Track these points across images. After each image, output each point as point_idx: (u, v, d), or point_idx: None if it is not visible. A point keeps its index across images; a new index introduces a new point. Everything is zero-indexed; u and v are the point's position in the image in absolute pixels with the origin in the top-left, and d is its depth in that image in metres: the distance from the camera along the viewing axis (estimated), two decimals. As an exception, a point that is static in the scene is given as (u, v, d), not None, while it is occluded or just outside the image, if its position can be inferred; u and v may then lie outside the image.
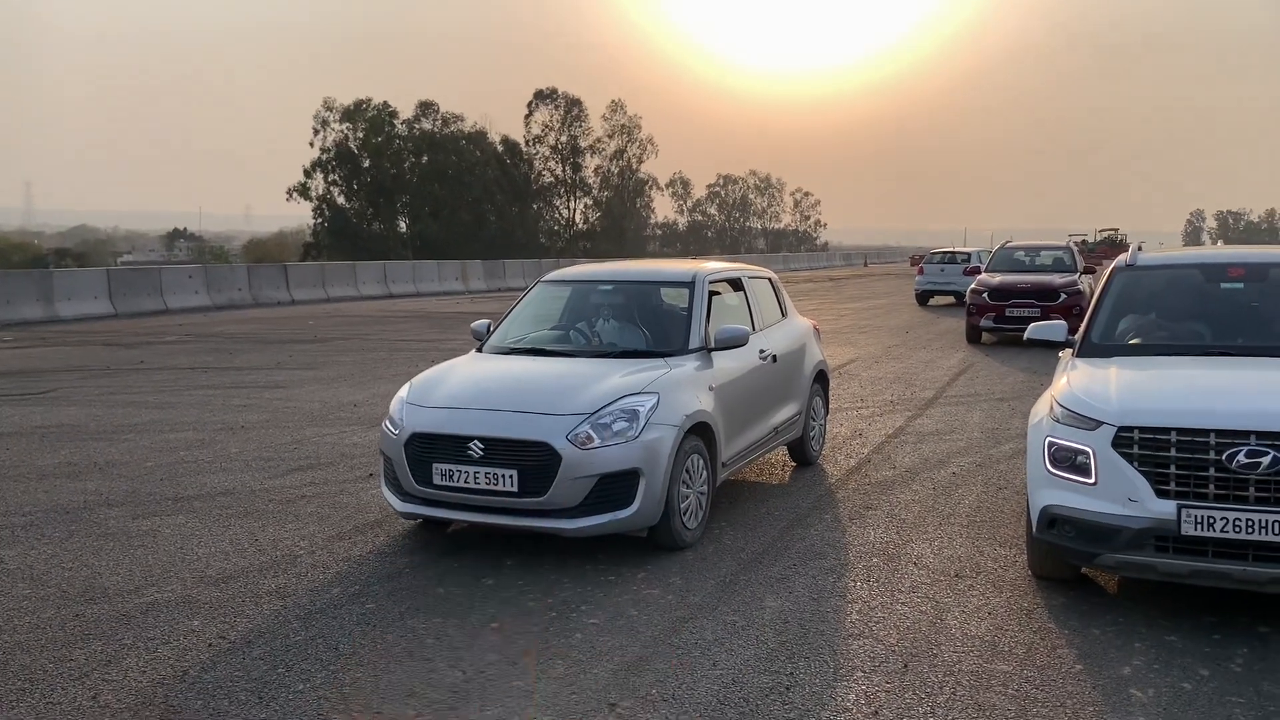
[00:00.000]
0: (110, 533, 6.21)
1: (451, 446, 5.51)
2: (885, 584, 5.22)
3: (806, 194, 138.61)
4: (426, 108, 77.83)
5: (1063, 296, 16.78)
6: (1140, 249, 6.39)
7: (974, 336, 17.45)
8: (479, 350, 6.79)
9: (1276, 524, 4.21)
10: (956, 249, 30.05)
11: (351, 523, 6.40)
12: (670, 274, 7.06)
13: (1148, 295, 6.00)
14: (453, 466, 5.48)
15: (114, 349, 17.01)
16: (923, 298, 28.45)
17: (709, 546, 5.85)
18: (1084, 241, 52.11)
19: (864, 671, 4.15)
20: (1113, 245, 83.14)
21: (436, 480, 5.53)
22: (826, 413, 8.42)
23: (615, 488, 5.39)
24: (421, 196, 76.43)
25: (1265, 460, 4.23)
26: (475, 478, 5.42)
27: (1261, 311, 5.64)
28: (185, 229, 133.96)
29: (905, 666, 4.19)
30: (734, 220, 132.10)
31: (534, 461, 5.34)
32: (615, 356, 6.26)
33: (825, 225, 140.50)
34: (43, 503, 6.92)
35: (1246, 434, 4.30)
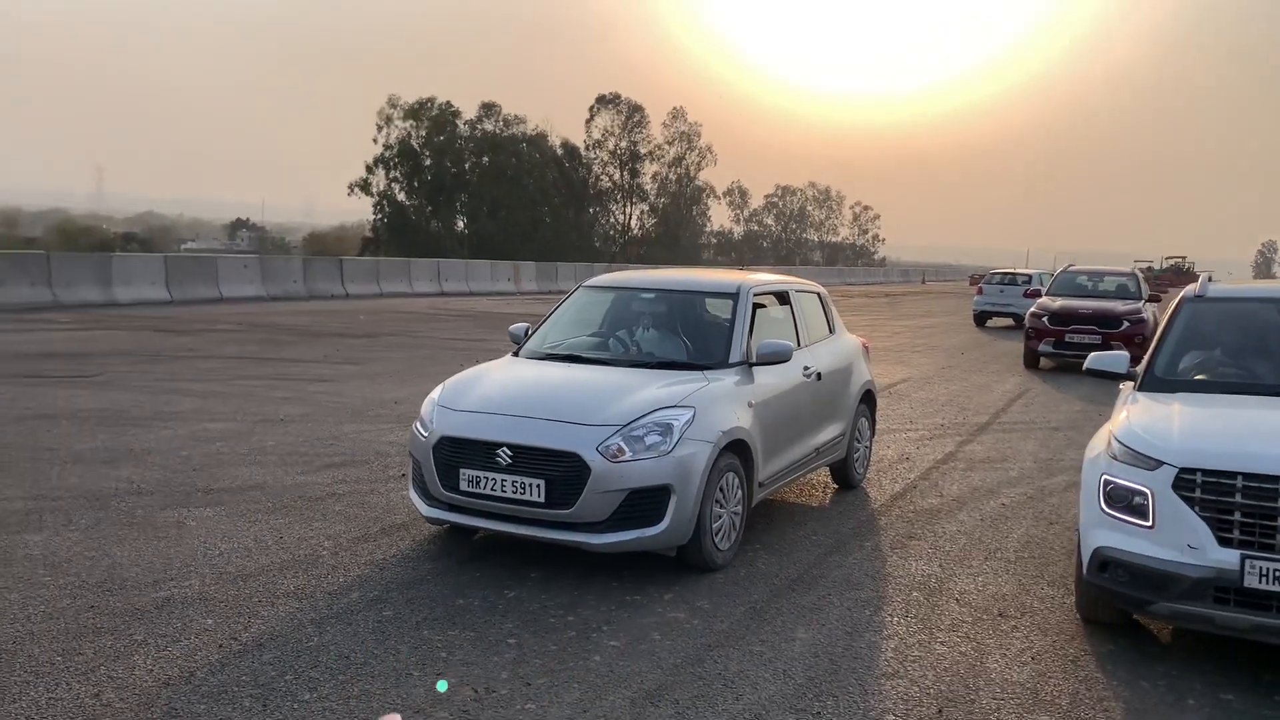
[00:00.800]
0: (136, 522, 6.16)
1: (480, 452, 5.37)
2: (924, 620, 4.96)
3: (866, 208, 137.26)
4: (489, 109, 78.36)
5: (1125, 324, 16.26)
6: (1211, 279, 6.07)
7: (1032, 361, 16.99)
8: (515, 354, 6.65)
9: (1350, 582, 3.90)
10: (1018, 270, 29.43)
11: (378, 524, 6.29)
12: (714, 284, 6.86)
13: (1217, 329, 5.67)
14: (480, 473, 5.33)
15: (165, 335, 17.20)
16: (980, 318, 27.89)
17: (741, 570, 5.63)
18: (1149, 268, 50.85)
19: (895, 715, 3.91)
20: (1179, 273, 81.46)
21: (463, 486, 5.39)
22: (872, 434, 8.16)
23: (645, 503, 5.20)
24: (480, 196, 76.92)
25: (1340, 512, 3.93)
26: (502, 485, 5.26)
27: (1340, 351, 5.29)
28: (248, 219, 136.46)
29: (939, 712, 3.95)
30: (790, 232, 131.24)
31: (562, 472, 5.17)
32: (653, 367, 6.07)
33: (884, 240, 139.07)
34: (74, 488, 6.90)
35: (1320, 483, 4.00)
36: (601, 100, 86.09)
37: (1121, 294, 18.26)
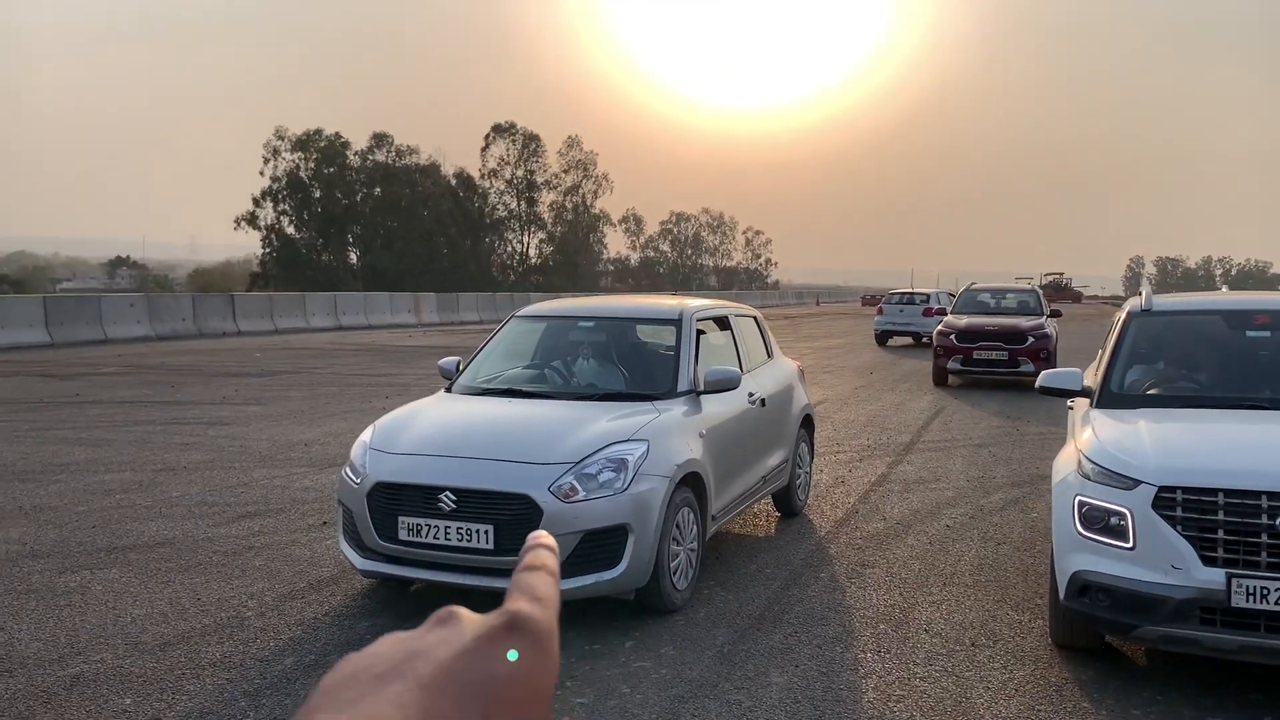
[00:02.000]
0: (34, 589, 5.57)
1: (420, 498, 4.99)
2: (898, 655, 4.76)
3: (758, 232, 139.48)
4: (381, 139, 77.04)
5: (1030, 340, 16.59)
6: (1150, 291, 6.08)
7: (941, 379, 17.21)
8: (448, 390, 6.27)
9: (1338, 597, 3.84)
10: (916, 290, 30.02)
11: (305, 579, 5.82)
12: (655, 310, 6.62)
13: (1167, 342, 5.67)
14: (421, 520, 4.95)
15: (48, 380, 16.15)
16: (882, 338, 28.32)
17: (700, 610, 5.36)
18: (1030, 285, 52.73)
19: (893, 763, 3.68)
20: (1058, 289, 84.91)
21: (402, 535, 5.00)
22: (812, 459, 8.00)
23: (602, 545, 4.90)
24: (373, 228, 75.44)
25: (1325, 526, 3.87)
26: (446, 533, 4.89)
27: (1290, 362, 5.33)
28: (128, 256, 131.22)
29: (938, 757, 3.74)
30: (686, 257, 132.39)
31: (512, 515, 4.83)
32: (596, 399, 5.78)
33: (776, 264, 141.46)
34: (-43, 553, 6.24)
35: (1303, 497, 3.93)
36: (497, 129, 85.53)
37: (1024, 310, 18.68)
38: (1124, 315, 5.83)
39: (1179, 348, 5.63)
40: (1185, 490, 4.13)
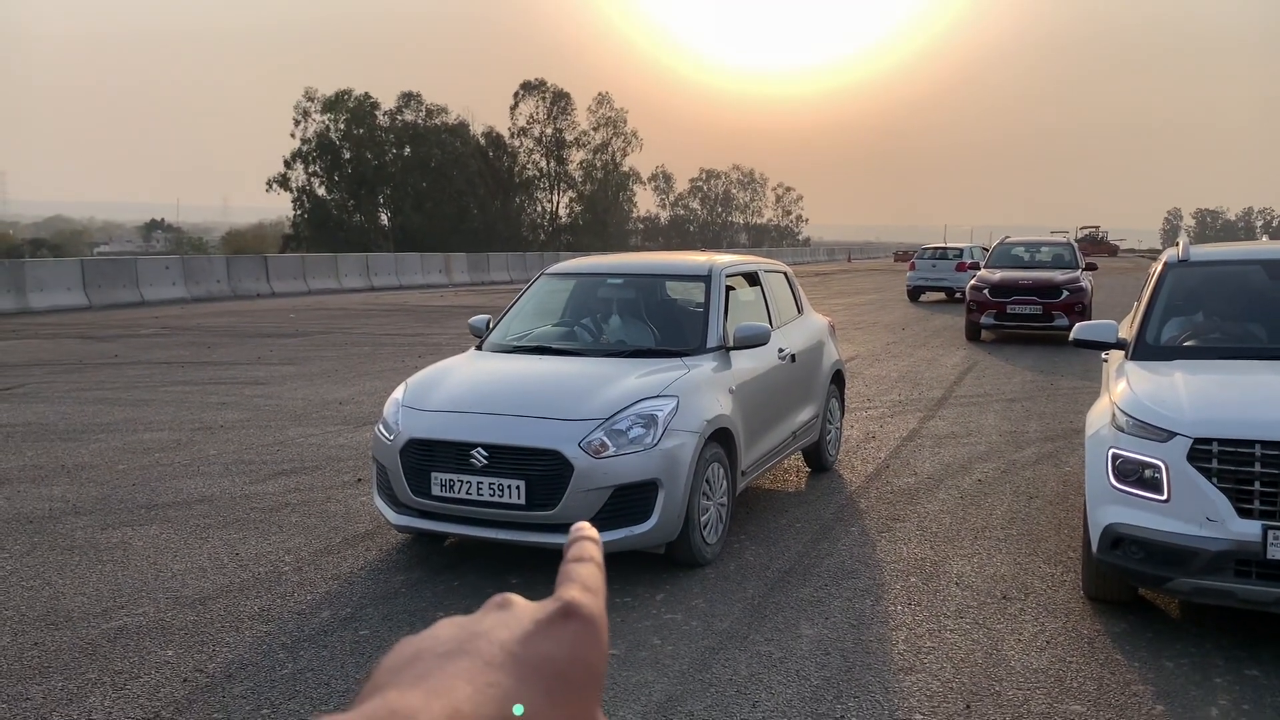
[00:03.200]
0: (77, 545, 5.70)
1: (452, 454, 5.04)
2: (928, 608, 4.77)
3: (789, 189, 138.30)
4: (409, 99, 76.90)
5: (1065, 293, 16.39)
6: (1189, 243, 5.97)
7: (974, 334, 17.06)
8: (478, 348, 6.30)
9: (1376, 548, 3.79)
10: (949, 245, 29.68)
11: (340, 534, 5.91)
12: (684, 266, 6.60)
13: (1203, 293, 5.58)
14: (454, 476, 5.00)
15: (87, 342, 16.39)
16: (914, 294, 28.08)
17: (730, 564, 5.39)
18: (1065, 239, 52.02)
19: (923, 714, 3.71)
20: (1094, 243, 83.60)
21: (435, 491, 5.05)
22: (843, 415, 7.98)
23: (632, 500, 4.93)
24: (403, 188, 75.54)
25: (1363, 477, 3.81)
26: (478, 488, 4.94)
27: (1332, 311, 5.22)
28: (163, 220, 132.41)
29: (968, 708, 3.75)
30: (716, 215, 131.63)
31: (543, 471, 4.87)
32: (626, 356, 5.79)
33: (807, 220, 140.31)
34: (3, 511, 6.39)
35: (1341, 448, 3.88)
36: (526, 87, 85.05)
37: (1058, 263, 18.43)
38: (1160, 266, 5.73)
39: (1217, 299, 5.53)
40: (1221, 442, 4.08)
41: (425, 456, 5.11)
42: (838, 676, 4.01)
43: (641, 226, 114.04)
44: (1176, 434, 4.19)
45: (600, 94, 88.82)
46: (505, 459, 4.92)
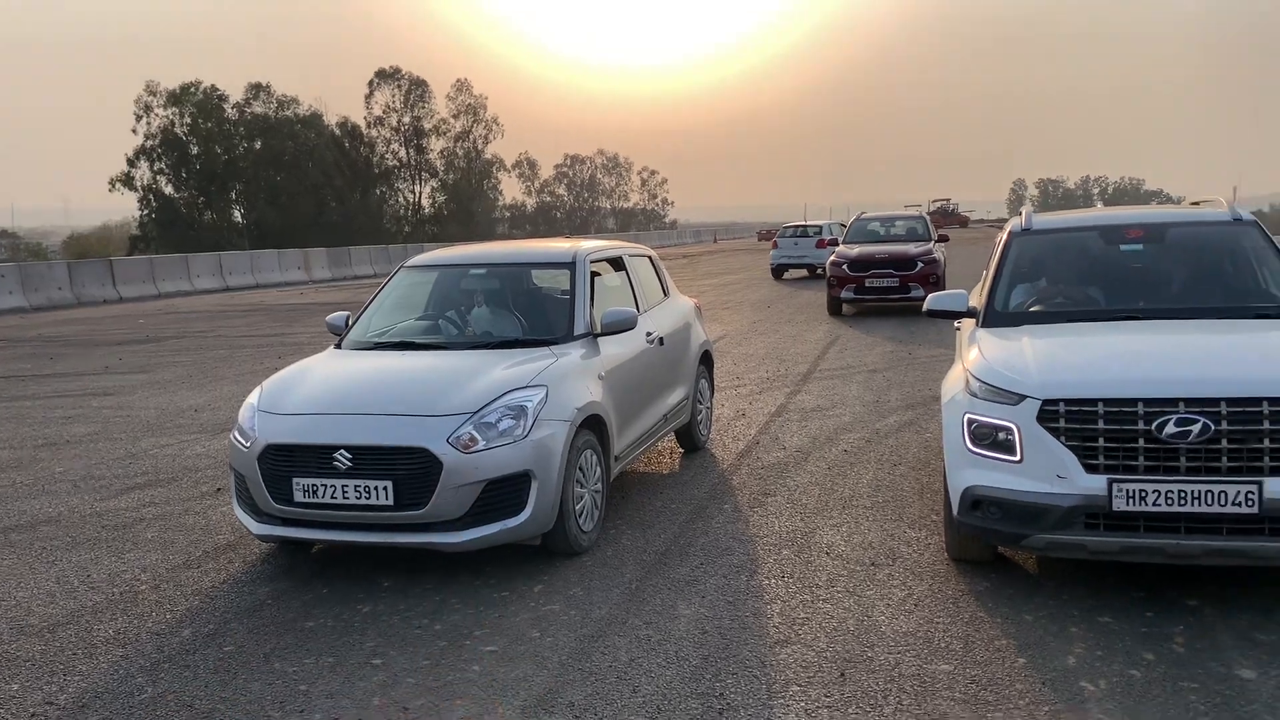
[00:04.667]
0: (-95, 579, 5.29)
1: (314, 458, 4.86)
2: (801, 580, 4.86)
3: (653, 173, 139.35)
4: (259, 90, 74.12)
5: (920, 265, 16.98)
6: (1032, 212, 6.23)
7: (835, 308, 17.52)
8: (337, 347, 6.10)
9: (1208, 494, 4.03)
10: (809, 223, 30.39)
11: (200, 548, 5.65)
12: (547, 254, 6.53)
13: (1047, 260, 5.82)
14: (316, 480, 4.83)
15: (-88, 359, 15.25)
16: (778, 271, 28.68)
17: (607, 550, 5.38)
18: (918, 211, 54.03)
19: (800, 685, 3.77)
20: (946, 215, 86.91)
21: (298, 497, 4.87)
22: (712, 394, 8.07)
23: (504, 493, 4.86)
24: (257, 183, 72.87)
25: (1195, 428, 4.04)
26: (343, 492, 4.78)
27: (1163, 273, 5.53)
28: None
29: (842, 675, 3.83)
30: (583, 201, 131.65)
31: (411, 470, 4.74)
32: (493, 347, 5.70)
33: (673, 204, 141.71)
34: None
35: (1175, 401, 4.10)
36: (381, 75, 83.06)
37: (912, 236, 19.08)
38: (1005, 236, 5.97)
39: (1059, 264, 5.79)
40: (1067, 402, 4.26)
41: (285, 462, 4.92)
42: (716, 654, 4.05)
43: (508, 215, 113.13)
44: (1026, 396, 4.37)
45: (459, 80, 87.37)
46: (370, 460, 4.78)
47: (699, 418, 7.56)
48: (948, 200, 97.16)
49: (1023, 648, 4.02)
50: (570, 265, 6.16)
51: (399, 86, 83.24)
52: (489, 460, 4.79)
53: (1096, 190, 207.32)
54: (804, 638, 4.19)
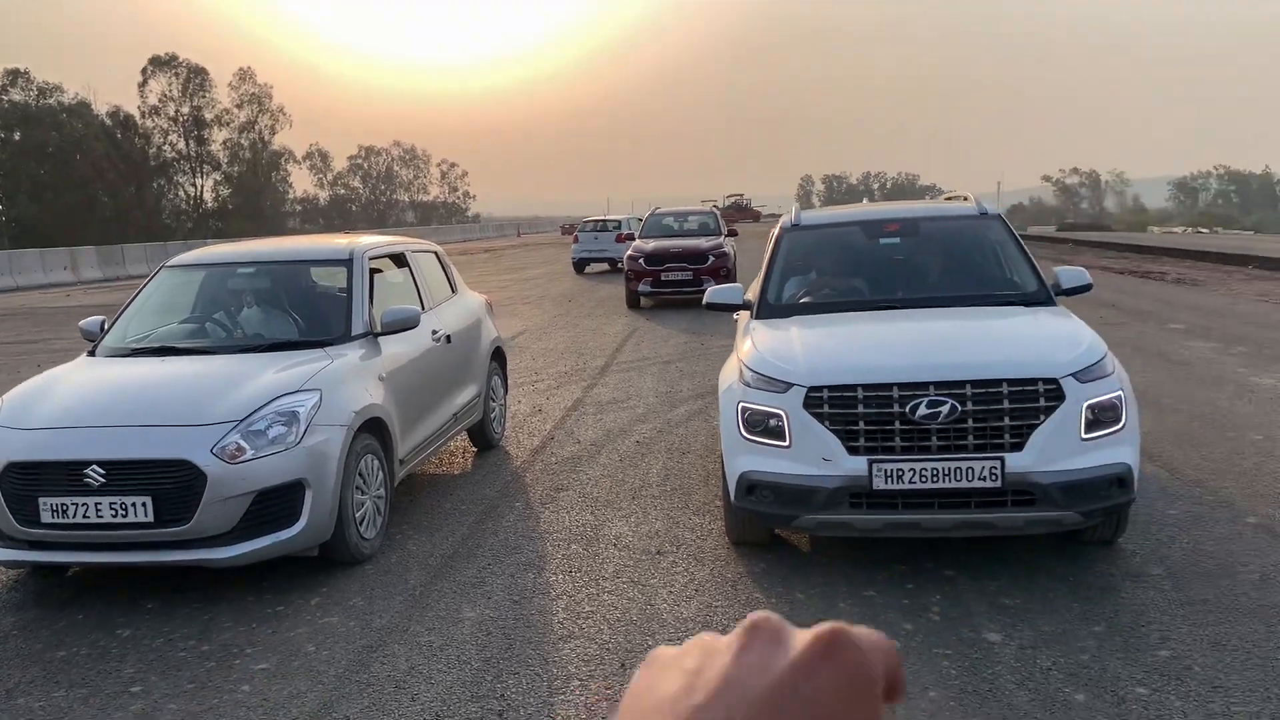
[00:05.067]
0: None
1: (62, 475, 4.51)
2: (588, 573, 4.89)
3: (453, 165, 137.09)
4: (16, 76, 68.18)
5: (711, 259, 17.43)
6: (798, 208, 6.50)
7: (634, 302, 17.76)
8: (91, 354, 5.68)
9: (957, 471, 4.32)
10: (609, 217, 30.66)
11: (-66, 580, 5.13)
12: (323, 251, 6.30)
13: (815, 254, 6.09)
14: (66, 500, 4.48)
15: None
16: (579, 266, 28.78)
17: (392, 556, 5.24)
18: (715, 207, 55.63)
19: (580, 679, 3.79)
20: (740, 209, 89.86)
21: (46, 518, 4.51)
22: (506, 391, 8.01)
23: (276, 504, 4.65)
24: (16, 177, 66.97)
25: (944, 409, 4.32)
26: (97, 510, 4.46)
27: (917, 264, 5.88)
28: None
29: (623, 665, 3.88)
30: (380, 193, 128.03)
31: (172, 484, 4.47)
32: (263, 350, 5.44)
33: (475, 197, 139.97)
34: None
35: (926, 385, 4.37)
36: (157, 62, 77.89)
37: (704, 231, 19.57)
38: (777, 231, 6.20)
39: (825, 258, 6.07)
40: (830, 389, 4.47)
41: (30, 481, 4.54)
42: (498, 655, 4.02)
43: (300, 208, 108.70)
44: (793, 384, 4.55)
45: (242, 69, 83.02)
46: (127, 474, 4.47)
47: (492, 415, 7.49)
48: (741, 195, 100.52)
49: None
50: (347, 262, 5.96)
51: (176, 74, 78.41)
52: (258, 470, 4.57)
53: (877, 185, 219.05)
54: (587, 631, 4.22)
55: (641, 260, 17.59)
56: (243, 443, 4.59)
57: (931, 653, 3.88)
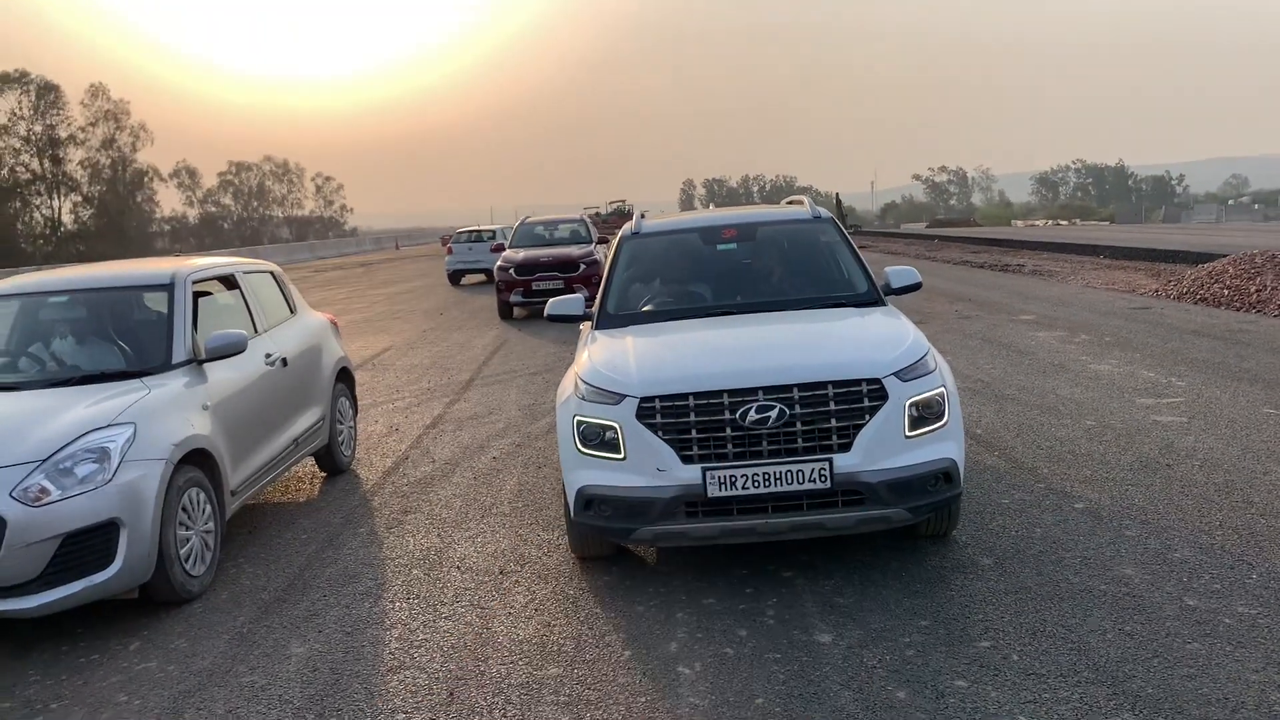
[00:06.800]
0: None
1: None
2: (426, 599, 4.76)
3: (328, 178, 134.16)
4: None
5: (582, 267, 17.39)
6: (644, 216, 6.49)
7: (506, 313, 17.60)
8: (-115, 395, 5.28)
9: (788, 474, 4.34)
10: (483, 227, 30.36)
11: None
12: (142, 276, 5.99)
13: (655, 261, 6.08)
14: None
15: None
16: (455, 277, 28.44)
17: (222, 593, 5.01)
18: (597, 213, 55.69)
19: (405, 713, 3.67)
20: (621, 215, 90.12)
21: None
22: (355, 413, 7.79)
23: (88, 546, 4.39)
24: None
25: (773, 414, 4.34)
26: (-117, 564, 4.13)
27: (754, 269, 5.93)
28: None
29: (451, 695, 3.78)
30: (252, 210, 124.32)
31: (-33, 533, 4.17)
32: (75, 383, 5.14)
33: (352, 210, 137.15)
34: None
35: (755, 390, 4.38)
36: (5, 79, 74.08)
37: (575, 239, 19.54)
38: (617, 240, 6.18)
39: (665, 265, 6.06)
40: (662, 399, 4.45)
41: None
42: (323, 692, 3.86)
43: (169, 228, 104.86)
44: (625, 396, 4.52)
45: (94, 85, 79.57)
46: (-86, 525, 4.15)
47: (340, 439, 7.26)
48: (624, 201, 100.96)
49: (630, 640, 4.15)
50: (168, 287, 5.68)
51: (26, 92, 74.72)
52: (64, 512, 4.31)
53: (756, 188, 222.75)
54: (419, 660, 4.09)
55: (511, 270, 17.45)
56: (47, 483, 4.32)
57: (763, 658, 3.89)
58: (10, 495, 4.24)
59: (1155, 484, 5.74)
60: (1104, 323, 12.62)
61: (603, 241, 19.45)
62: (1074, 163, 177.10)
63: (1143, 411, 7.53)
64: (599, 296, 5.77)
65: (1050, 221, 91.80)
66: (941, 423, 4.55)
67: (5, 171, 73.71)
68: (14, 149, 74.61)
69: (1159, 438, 6.73)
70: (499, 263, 18.02)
